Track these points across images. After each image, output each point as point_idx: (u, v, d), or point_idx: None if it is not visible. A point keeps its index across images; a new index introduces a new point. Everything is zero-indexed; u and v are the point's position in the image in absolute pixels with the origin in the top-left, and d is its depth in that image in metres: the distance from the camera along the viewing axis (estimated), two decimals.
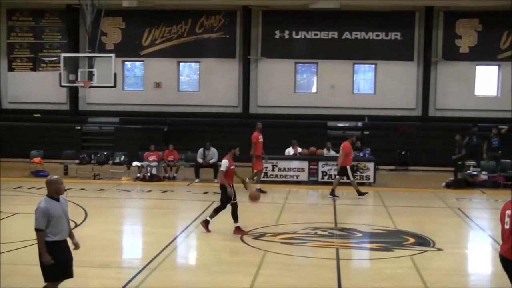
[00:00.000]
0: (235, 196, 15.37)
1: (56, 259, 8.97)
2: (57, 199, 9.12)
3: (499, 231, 9.25)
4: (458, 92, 32.38)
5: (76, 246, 9.60)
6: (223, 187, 15.42)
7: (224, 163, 15.44)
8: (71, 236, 9.53)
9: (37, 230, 8.90)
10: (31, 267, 11.45)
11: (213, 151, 25.63)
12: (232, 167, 15.58)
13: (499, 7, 30.70)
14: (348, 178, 21.56)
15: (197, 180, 25.14)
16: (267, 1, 31.32)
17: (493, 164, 25.06)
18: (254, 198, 15.67)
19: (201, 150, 25.71)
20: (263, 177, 24.30)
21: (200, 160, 25.53)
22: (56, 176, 9.35)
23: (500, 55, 32.17)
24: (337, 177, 21.80)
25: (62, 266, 9.09)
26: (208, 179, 25.17)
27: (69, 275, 9.30)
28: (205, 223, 15.50)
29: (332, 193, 21.32)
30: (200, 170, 25.48)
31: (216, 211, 15.52)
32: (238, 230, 15.22)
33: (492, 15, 31.72)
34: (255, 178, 22.89)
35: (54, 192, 9.11)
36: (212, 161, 25.45)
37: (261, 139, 22.78)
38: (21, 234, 14.06)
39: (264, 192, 22.13)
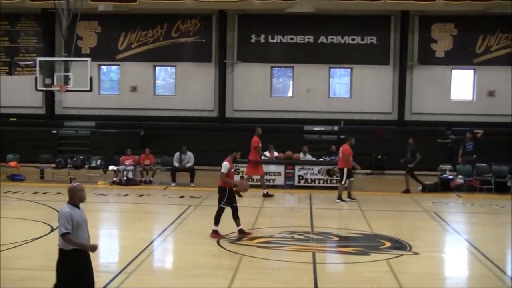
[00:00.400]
0: (228, 200, 15.27)
1: (69, 269, 8.77)
2: (78, 207, 9.00)
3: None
4: (434, 96, 32.57)
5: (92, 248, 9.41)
6: (222, 190, 15.35)
7: (225, 165, 15.41)
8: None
9: (65, 234, 8.69)
10: (10, 272, 11.41)
11: (190, 155, 25.58)
12: (232, 170, 15.59)
13: (474, 11, 30.93)
14: (341, 180, 21.76)
15: (173, 184, 25.04)
16: (243, 5, 31.30)
17: (469, 168, 25.21)
18: (243, 188, 15.66)
19: (177, 154, 25.64)
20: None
21: (176, 164, 25.45)
22: (79, 184, 9.22)
23: (476, 59, 32.40)
24: (349, 180, 21.92)
25: (75, 276, 8.81)
26: (184, 183, 25.09)
27: (87, 285, 9.01)
28: (240, 232, 15.38)
29: (339, 197, 21.59)
30: (177, 174, 25.38)
31: (235, 216, 15.41)
32: (215, 233, 15.17)
33: (467, 19, 31.96)
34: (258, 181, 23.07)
35: (78, 199, 9.01)
36: (188, 165, 25.38)
37: (260, 144, 22.75)
38: None
39: (271, 195, 22.29)
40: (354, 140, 22.30)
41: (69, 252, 8.75)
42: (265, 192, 22.36)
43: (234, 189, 15.84)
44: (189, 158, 25.53)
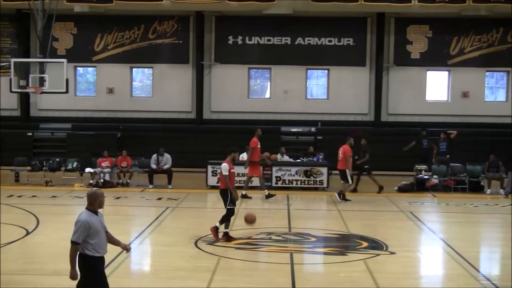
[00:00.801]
0: (232, 201, 15.27)
1: (101, 275, 8.78)
2: (96, 213, 8.85)
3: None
4: (409, 97, 32.82)
5: (126, 249, 9.52)
6: (224, 192, 15.31)
7: (224, 166, 15.28)
8: (116, 242, 9.30)
9: (74, 242, 8.63)
10: None
11: (167, 157, 25.53)
12: (232, 171, 15.47)
13: (448, 13, 31.27)
14: (347, 180, 21.99)
15: (150, 186, 25.00)
16: (220, 6, 31.29)
17: (444, 168, 25.45)
18: (250, 220, 15.50)
19: (154, 156, 25.58)
20: (217, 183, 24.42)
21: (153, 166, 25.40)
22: (99, 189, 9.09)
23: (450, 60, 32.71)
24: (343, 182, 22.12)
25: (105, 282, 8.87)
26: (162, 185, 25.06)
27: None
28: (224, 235, 15.31)
29: (343, 197, 21.85)
30: (154, 176, 25.34)
31: (226, 218, 15.34)
32: (226, 236, 15.18)
33: (441, 22, 32.25)
34: (251, 183, 23.30)
35: (98, 205, 8.84)
36: (166, 167, 25.34)
37: (258, 145, 22.72)
38: None
39: (272, 195, 22.36)
40: (353, 140, 22.47)
41: (92, 258, 8.70)
42: (267, 194, 22.39)
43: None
44: (167, 160, 25.49)
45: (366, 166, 24.34)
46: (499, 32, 32.41)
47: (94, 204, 8.83)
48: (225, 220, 15.29)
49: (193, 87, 33.35)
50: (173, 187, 24.75)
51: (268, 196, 22.30)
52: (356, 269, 12.72)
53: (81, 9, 30.90)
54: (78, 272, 8.75)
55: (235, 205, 15.42)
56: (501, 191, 24.23)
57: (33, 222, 17.23)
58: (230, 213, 15.29)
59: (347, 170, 21.88)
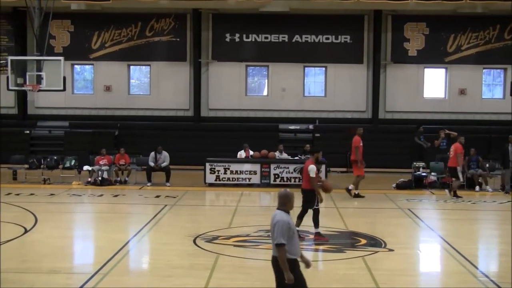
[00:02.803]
0: (318, 201, 15.23)
1: (302, 277, 8.57)
2: (289, 213, 8.68)
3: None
4: (407, 95, 32.85)
5: (307, 265, 8.98)
6: (309, 192, 15.23)
7: (312, 168, 15.10)
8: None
9: (282, 244, 8.40)
10: None
11: (165, 155, 25.50)
12: (316, 171, 15.45)
13: (445, 11, 31.30)
14: (457, 178, 22.45)
15: (149, 184, 24.97)
16: (217, 4, 31.28)
17: (441, 165, 25.46)
18: (327, 188, 15.65)
19: (152, 153, 25.54)
20: (215, 180, 24.46)
21: (151, 164, 25.36)
22: (289, 190, 8.87)
23: (447, 58, 32.73)
24: (454, 179, 22.61)
25: (305, 283, 8.65)
26: (160, 182, 25.04)
27: None
28: (317, 235, 15.29)
29: (455, 194, 22.27)
30: (152, 174, 25.31)
31: (316, 219, 15.31)
32: (318, 236, 15.18)
33: (438, 19, 32.31)
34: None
35: (291, 207, 8.69)
36: (163, 164, 25.30)
37: (361, 144, 22.65)
38: None
39: (362, 196, 22.22)
40: (463, 138, 22.89)
41: (291, 261, 8.52)
42: (357, 193, 22.37)
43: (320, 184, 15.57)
44: (165, 157, 25.46)
45: None
46: (496, 29, 32.47)
47: (288, 205, 8.66)
48: (317, 221, 15.21)
49: (190, 85, 33.33)
50: (171, 185, 24.73)
51: (356, 196, 22.24)
52: (354, 266, 12.72)
53: (78, 6, 30.94)
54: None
55: (318, 205, 15.33)
56: (488, 187, 24.36)
57: (31, 220, 17.21)
58: (317, 213, 15.23)
59: (458, 168, 22.31)
